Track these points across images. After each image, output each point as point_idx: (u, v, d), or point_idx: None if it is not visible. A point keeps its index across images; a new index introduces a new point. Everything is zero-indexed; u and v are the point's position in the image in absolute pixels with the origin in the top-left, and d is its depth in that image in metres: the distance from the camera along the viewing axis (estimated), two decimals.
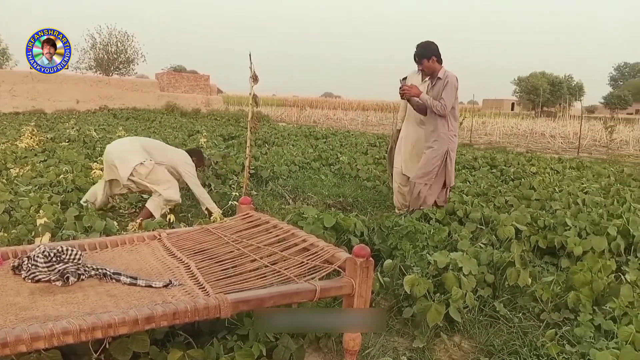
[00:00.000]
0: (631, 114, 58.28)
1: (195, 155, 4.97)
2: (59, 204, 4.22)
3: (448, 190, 4.73)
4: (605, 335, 2.52)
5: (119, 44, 38.07)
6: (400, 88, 4.53)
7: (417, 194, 4.53)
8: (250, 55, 4.46)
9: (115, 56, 38.06)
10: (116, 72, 37.85)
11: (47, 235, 3.29)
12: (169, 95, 27.31)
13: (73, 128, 11.67)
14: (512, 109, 58.84)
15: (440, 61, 4.47)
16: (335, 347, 2.48)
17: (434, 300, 2.67)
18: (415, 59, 4.51)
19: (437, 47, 4.46)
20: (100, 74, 36.06)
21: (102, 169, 5.80)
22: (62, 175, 5.26)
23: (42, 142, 8.47)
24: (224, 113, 22.49)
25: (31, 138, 8.51)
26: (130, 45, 38.62)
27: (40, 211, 3.70)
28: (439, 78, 4.45)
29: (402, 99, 4.64)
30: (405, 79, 4.90)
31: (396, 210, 5.01)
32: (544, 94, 56.93)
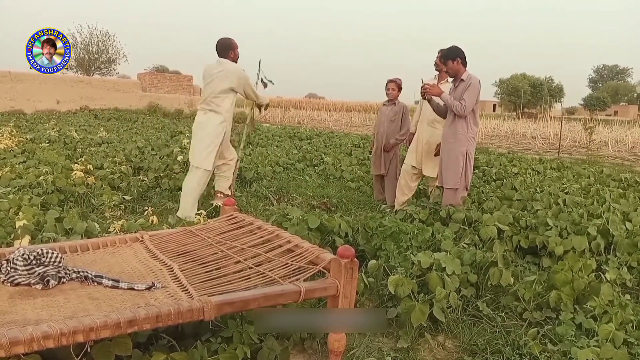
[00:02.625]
0: (610, 115, 59.35)
1: (222, 50, 4.78)
2: (39, 206, 4.15)
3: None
4: (586, 334, 2.56)
5: (100, 44, 37.66)
6: (421, 87, 4.56)
7: (457, 200, 4.54)
8: (260, 62, 4.47)
9: (96, 56, 37.62)
10: (97, 72, 37.42)
11: (27, 238, 3.23)
12: (151, 95, 27.07)
13: (53, 129, 11.50)
14: (494, 110, 59.50)
15: (464, 64, 4.51)
16: (320, 349, 2.48)
17: (418, 301, 2.69)
18: (440, 61, 4.59)
19: (462, 50, 4.52)
20: (81, 74, 35.60)
21: (83, 170, 5.74)
22: (42, 177, 5.18)
23: (21, 143, 8.33)
24: None
25: (10, 139, 8.36)
26: (111, 45, 38.26)
27: (20, 213, 3.63)
28: (462, 80, 4.49)
29: (423, 98, 4.68)
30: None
31: (396, 207, 5.13)
32: (525, 95, 57.63)
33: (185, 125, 15.26)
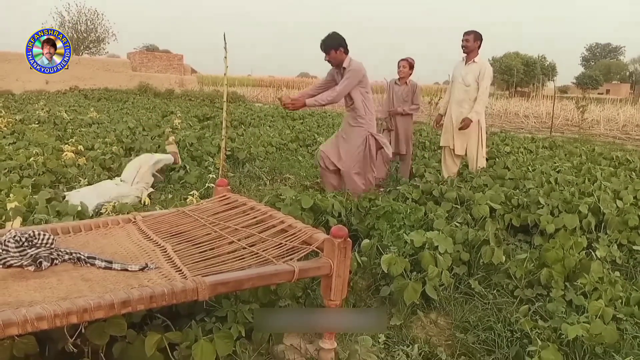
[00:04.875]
0: (602, 93, 59.32)
1: None
2: (30, 188, 4.12)
3: (373, 176, 4.75)
4: (576, 310, 2.59)
5: (88, 23, 37.08)
6: (283, 106, 4.49)
7: (354, 185, 4.57)
8: (224, 35, 4.40)
9: (85, 35, 37.06)
10: (86, 52, 36.88)
11: (18, 220, 3.21)
12: (141, 75, 26.75)
13: (43, 109, 11.34)
14: None
15: (346, 52, 4.43)
16: None
17: (410, 279, 2.71)
18: (321, 49, 4.45)
19: (344, 38, 4.44)
20: None
21: (73, 151, 5.70)
22: (32, 158, 5.13)
23: (10, 124, 8.22)
24: (198, 93, 22.20)
25: None
26: (100, 23, 37.67)
27: (11, 195, 3.61)
28: (344, 67, 4.44)
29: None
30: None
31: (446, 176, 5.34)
32: (518, 74, 57.46)
33: (176, 106, 15.13)
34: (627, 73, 76.44)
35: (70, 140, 6.62)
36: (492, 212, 3.93)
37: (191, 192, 4.29)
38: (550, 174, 5.37)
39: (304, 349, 2.36)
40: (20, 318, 1.45)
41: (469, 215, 3.90)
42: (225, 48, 4.46)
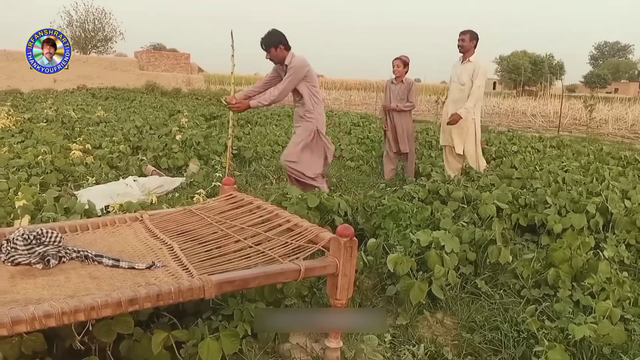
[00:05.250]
0: (610, 92, 58.89)
1: None
2: (38, 186, 4.14)
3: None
4: (583, 310, 2.58)
5: (96, 22, 37.31)
6: (228, 107, 4.43)
7: (296, 175, 4.50)
8: (232, 33, 4.40)
9: (92, 34, 37.28)
10: (94, 51, 37.11)
11: (27, 218, 3.23)
12: (148, 74, 26.88)
13: (51, 108, 11.42)
14: (494, 88, 59.02)
15: (287, 48, 4.33)
16: None
17: (416, 278, 2.70)
18: (262, 47, 4.37)
19: (283, 35, 4.33)
20: (77, 52, 35.31)
21: (81, 150, 5.73)
22: (40, 157, 5.16)
23: (19, 123, 8.29)
24: (205, 92, 22.28)
25: (7, 118, 8.32)
26: (107, 22, 37.89)
27: (19, 193, 3.63)
28: (286, 65, 4.36)
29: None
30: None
31: (452, 175, 5.36)
32: (526, 73, 57.12)
33: (183, 104, 15.18)
34: (636, 72, 75.90)
35: (78, 138, 6.68)
36: (499, 211, 3.91)
37: (198, 191, 4.31)
38: (557, 173, 5.34)
39: (309, 347, 2.36)
40: (29, 315, 1.46)
41: (475, 214, 3.89)
42: (232, 46, 4.46)
